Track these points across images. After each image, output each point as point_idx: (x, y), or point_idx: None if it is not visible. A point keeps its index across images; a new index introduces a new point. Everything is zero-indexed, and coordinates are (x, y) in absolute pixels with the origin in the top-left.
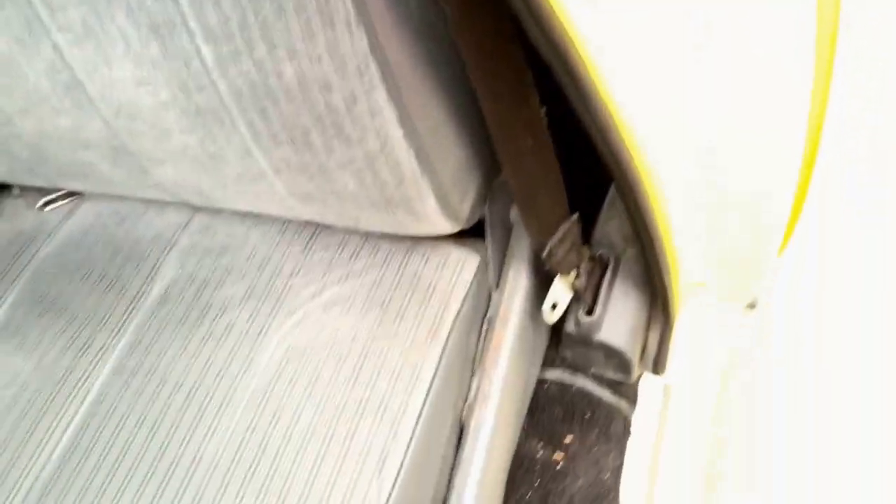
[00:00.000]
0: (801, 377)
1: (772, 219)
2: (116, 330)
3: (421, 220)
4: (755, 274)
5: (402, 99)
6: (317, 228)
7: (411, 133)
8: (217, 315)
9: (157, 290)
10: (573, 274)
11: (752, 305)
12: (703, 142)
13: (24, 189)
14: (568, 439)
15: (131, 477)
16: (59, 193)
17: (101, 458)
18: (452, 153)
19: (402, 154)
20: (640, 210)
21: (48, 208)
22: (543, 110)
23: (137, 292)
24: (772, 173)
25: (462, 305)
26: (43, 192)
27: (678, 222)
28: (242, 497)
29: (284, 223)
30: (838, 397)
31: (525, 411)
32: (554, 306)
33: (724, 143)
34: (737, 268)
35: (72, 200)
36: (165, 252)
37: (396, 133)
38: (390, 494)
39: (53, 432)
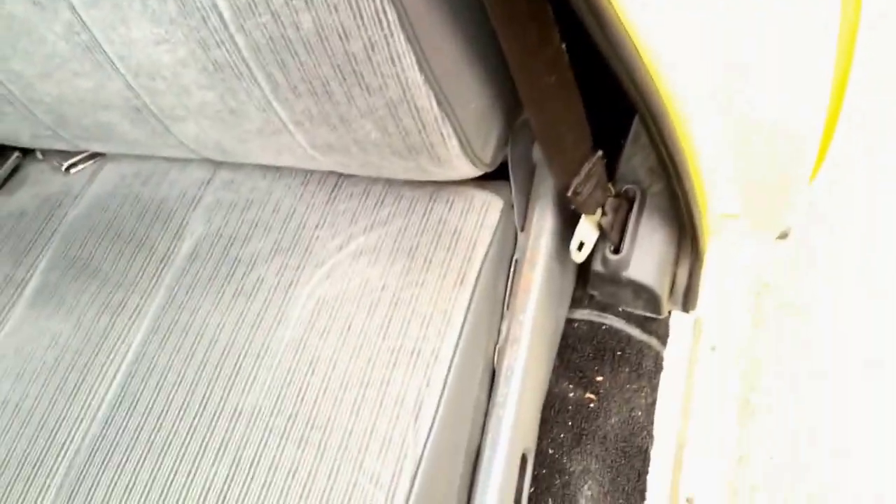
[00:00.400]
0: (834, 306)
1: (802, 144)
2: (149, 289)
3: (444, 165)
4: (786, 203)
5: (421, 44)
6: (339, 178)
7: (432, 78)
8: (246, 270)
9: (185, 247)
10: (599, 212)
11: (783, 236)
12: (730, 64)
13: (47, 153)
14: (599, 378)
15: (175, 431)
16: (82, 156)
17: (145, 414)
18: (474, 96)
19: (423, 99)
20: (667, 141)
21: (72, 171)
22: (563, 46)
23: (167, 251)
24: (801, 96)
25: (489, 249)
26: (66, 155)
27: (706, 152)
28: (284, 447)
29: (307, 175)
30: (865, 328)
31: (555, 352)
32: (581, 245)
33: (751, 65)
34: (767, 197)
35: (95, 162)
36: (191, 209)
37: (417, 78)
38: (427, 440)
39: (97, 391)
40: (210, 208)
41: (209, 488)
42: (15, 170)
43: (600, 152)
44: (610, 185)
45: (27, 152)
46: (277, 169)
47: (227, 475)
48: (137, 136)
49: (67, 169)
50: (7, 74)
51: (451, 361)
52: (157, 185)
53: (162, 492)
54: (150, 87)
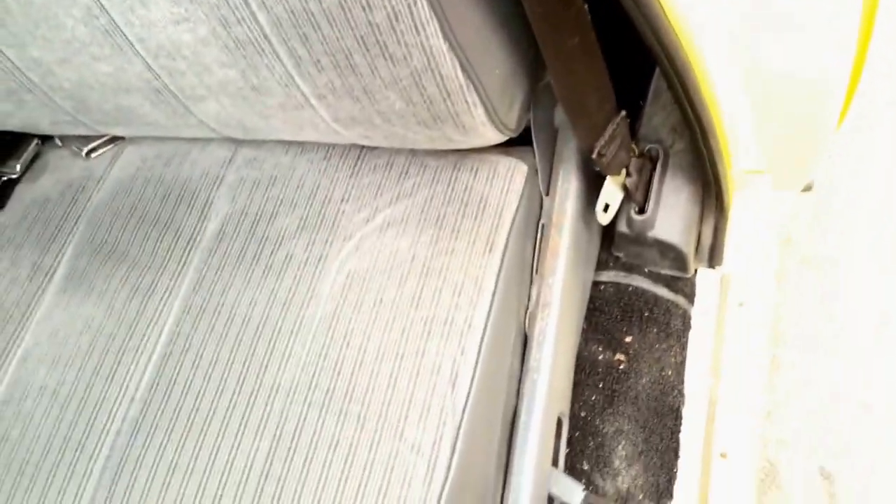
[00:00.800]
0: (854, 260)
1: (827, 94)
2: (178, 271)
3: (469, 133)
4: (811, 156)
5: (445, 11)
6: (362, 151)
7: (456, 45)
8: (274, 247)
9: (211, 227)
10: (623, 173)
11: (808, 188)
12: (753, 15)
13: (66, 139)
14: (628, 339)
15: (214, 410)
16: (102, 140)
17: (183, 394)
18: (498, 61)
19: (447, 67)
20: (692, 97)
21: (93, 156)
22: (586, 7)
23: (193, 231)
24: (827, 45)
25: (515, 215)
26: (85, 140)
27: (728, 107)
28: (324, 421)
29: (329, 149)
30: (885, 282)
31: (583, 315)
32: (606, 207)
33: (773, 15)
34: (792, 150)
35: (115, 146)
36: (215, 189)
37: (441, 46)
38: (464, 408)
39: (133, 374)
40: (234, 187)
41: (252, 464)
42: (35, 157)
43: (623, 113)
44: (633, 145)
45: (46, 139)
46: (299, 144)
47: (269, 451)
48: (158, 117)
49: (88, 154)
50: (26, 62)
51: (485, 329)
52: (179, 166)
53: (205, 470)
54: (171, 68)
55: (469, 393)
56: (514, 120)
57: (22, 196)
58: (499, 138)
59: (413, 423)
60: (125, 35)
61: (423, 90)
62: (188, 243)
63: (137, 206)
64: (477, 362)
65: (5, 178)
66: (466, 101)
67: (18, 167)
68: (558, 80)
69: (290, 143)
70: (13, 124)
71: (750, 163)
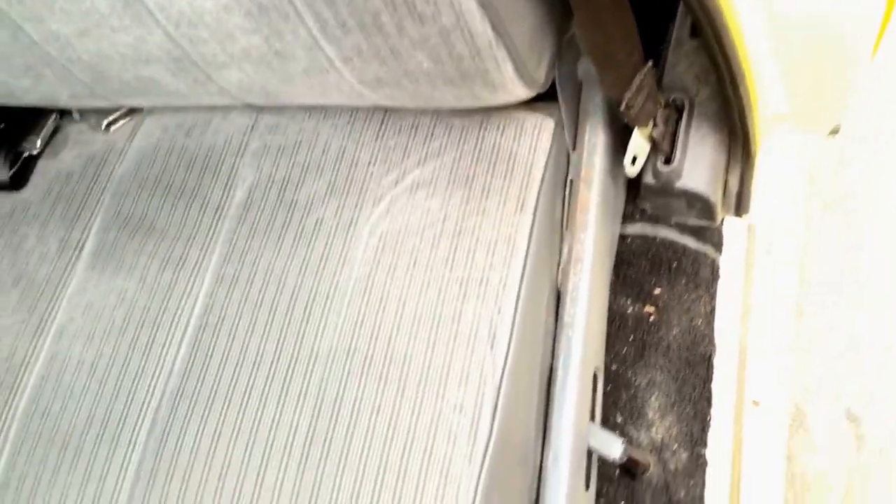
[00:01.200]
0: (878, 205)
1: (856, 35)
2: (208, 241)
3: (498, 90)
4: (843, 93)
5: None
6: (386, 113)
7: (486, 1)
8: (304, 213)
9: (239, 195)
10: (650, 124)
11: (835, 131)
12: None
13: (84, 113)
14: (657, 291)
15: (254, 379)
16: (120, 112)
17: (221, 365)
18: (527, 16)
19: (476, 24)
20: (722, 42)
21: (112, 129)
22: None
23: (220, 200)
24: None
25: (545, 172)
26: (103, 113)
27: (756, 50)
28: (364, 386)
29: (352, 112)
30: None
31: (611, 269)
32: (634, 160)
33: None
34: (822, 88)
35: (134, 117)
36: (239, 156)
37: (471, 3)
38: (504, 367)
39: (169, 346)
40: (258, 154)
41: (295, 432)
42: (54, 132)
43: (650, 63)
44: (660, 95)
45: (63, 114)
46: (322, 109)
47: (312, 418)
48: (179, 87)
49: (107, 127)
50: (45, 36)
51: (520, 287)
52: (202, 135)
53: (249, 440)
54: (192, 36)
55: (508, 352)
56: (543, 75)
57: (44, 172)
58: (527, 95)
59: (454, 385)
60: (145, 4)
61: (451, 48)
62: (216, 212)
63: (161, 177)
64: (514, 321)
65: (26, 155)
66: (496, 58)
67: (38, 143)
68: (586, 31)
69: (313, 108)
70: (32, 99)
71: (776, 108)
